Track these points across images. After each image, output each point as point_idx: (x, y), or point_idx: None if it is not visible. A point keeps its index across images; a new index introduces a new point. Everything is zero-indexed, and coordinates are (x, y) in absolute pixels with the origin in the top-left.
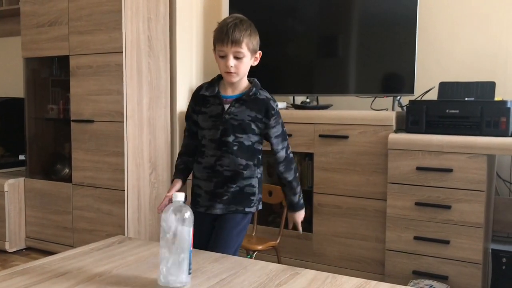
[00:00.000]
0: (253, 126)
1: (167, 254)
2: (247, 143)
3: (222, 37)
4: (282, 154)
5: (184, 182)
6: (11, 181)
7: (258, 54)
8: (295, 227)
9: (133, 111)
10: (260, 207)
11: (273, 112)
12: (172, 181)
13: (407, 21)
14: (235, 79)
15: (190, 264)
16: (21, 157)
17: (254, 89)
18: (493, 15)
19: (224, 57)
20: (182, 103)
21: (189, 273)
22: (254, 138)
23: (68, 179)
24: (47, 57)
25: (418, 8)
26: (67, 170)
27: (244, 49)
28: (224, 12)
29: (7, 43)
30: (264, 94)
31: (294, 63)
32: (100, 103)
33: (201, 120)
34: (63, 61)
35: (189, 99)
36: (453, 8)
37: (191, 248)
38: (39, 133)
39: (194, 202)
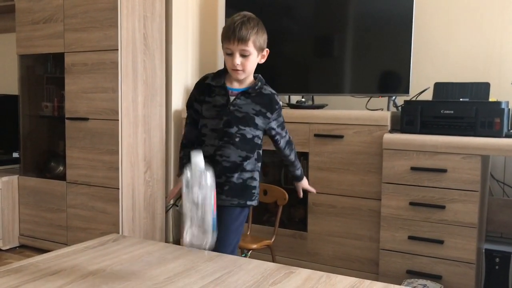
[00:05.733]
0: (256, 120)
1: (191, 217)
2: (249, 136)
3: (229, 35)
4: (285, 139)
5: None
6: (4, 178)
7: (266, 52)
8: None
9: (128, 109)
10: (258, 202)
11: (276, 106)
12: (178, 175)
13: (403, 21)
14: (241, 76)
15: (214, 224)
16: (15, 154)
17: (259, 83)
18: (488, 16)
19: (231, 54)
20: (178, 102)
21: (213, 230)
22: (256, 132)
23: (62, 177)
24: (42, 54)
25: (414, 9)
26: (61, 168)
27: (251, 47)
28: (220, 11)
29: (1, 39)
30: (268, 89)
31: (289, 63)
32: (95, 101)
33: (204, 109)
34: (58, 58)
35: (185, 97)
36: (449, 9)
37: (214, 209)
38: (33, 130)
39: None
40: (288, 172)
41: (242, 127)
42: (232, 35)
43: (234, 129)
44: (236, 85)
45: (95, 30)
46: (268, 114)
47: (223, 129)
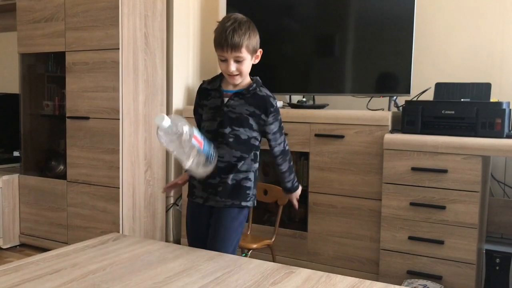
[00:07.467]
0: (250, 121)
1: (184, 157)
2: (243, 136)
3: (222, 43)
4: (279, 148)
5: None
6: (5, 177)
7: (259, 52)
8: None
9: (129, 108)
10: (255, 203)
11: (272, 109)
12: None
13: (404, 21)
14: (238, 81)
15: (208, 154)
16: (16, 153)
17: (254, 85)
18: (489, 16)
19: (225, 61)
20: (178, 101)
21: (210, 162)
22: (251, 133)
23: (63, 176)
24: (43, 53)
25: (415, 9)
26: (62, 167)
27: (244, 53)
28: (221, 10)
29: (2, 38)
30: (264, 91)
31: (290, 62)
32: (95, 100)
33: (203, 113)
34: (59, 57)
35: (186, 97)
36: (450, 9)
37: (201, 144)
38: (34, 129)
39: (191, 193)
40: (280, 182)
41: (236, 128)
42: (224, 43)
43: (227, 130)
44: (231, 87)
45: (96, 29)
46: (263, 117)
47: (217, 130)
